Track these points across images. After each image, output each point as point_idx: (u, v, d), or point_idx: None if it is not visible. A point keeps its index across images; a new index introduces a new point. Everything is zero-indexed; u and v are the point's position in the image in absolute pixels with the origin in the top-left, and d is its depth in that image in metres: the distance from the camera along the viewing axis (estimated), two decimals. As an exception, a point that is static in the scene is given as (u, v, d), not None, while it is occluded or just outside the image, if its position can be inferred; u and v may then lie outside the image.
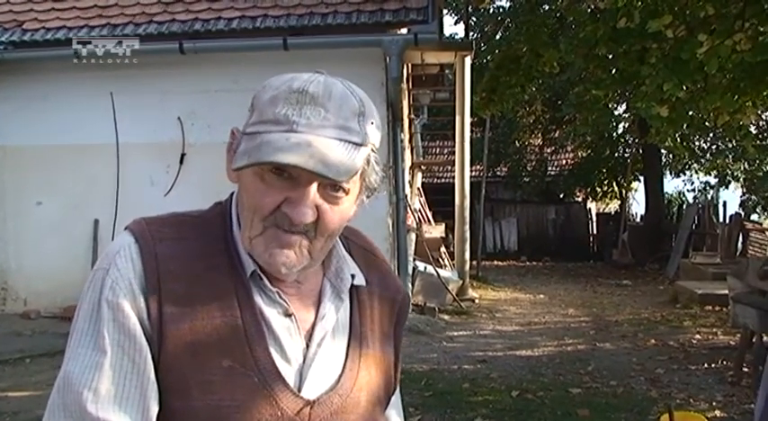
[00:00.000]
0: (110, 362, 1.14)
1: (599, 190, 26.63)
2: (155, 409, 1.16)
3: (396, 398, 1.50)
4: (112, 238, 8.73)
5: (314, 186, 1.16)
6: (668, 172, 25.30)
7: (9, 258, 9.74)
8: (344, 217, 1.24)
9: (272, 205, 1.17)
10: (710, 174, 25.26)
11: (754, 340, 7.34)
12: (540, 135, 25.81)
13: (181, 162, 9.32)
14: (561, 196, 26.38)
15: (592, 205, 27.79)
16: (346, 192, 1.20)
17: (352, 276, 1.33)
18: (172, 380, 1.16)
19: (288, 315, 1.25)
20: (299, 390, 1.23)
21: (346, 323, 1.34)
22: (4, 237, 9.73)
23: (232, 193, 1.31)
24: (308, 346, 1.26)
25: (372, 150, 1.21)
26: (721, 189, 25.60)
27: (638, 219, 25.82)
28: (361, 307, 1.36)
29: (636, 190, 28.28)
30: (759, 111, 10.72)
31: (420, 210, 14.37)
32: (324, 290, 1.32)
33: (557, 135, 25.27)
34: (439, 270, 11.75)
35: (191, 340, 1.16)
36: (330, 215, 1.19)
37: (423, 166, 17.28)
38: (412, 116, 13.59)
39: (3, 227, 9.73)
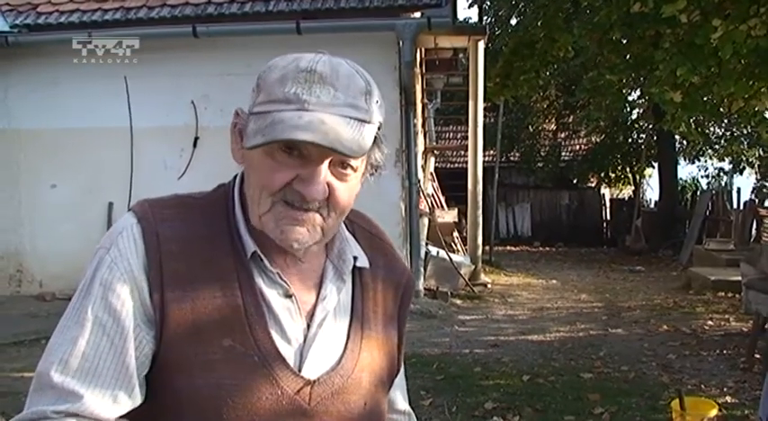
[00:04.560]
0: (86, 339, 1.15)
1: (613, 176, 26.51)
2: (126, 394, 1.17)
3: (400, 380, 1.52)
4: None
5: (326, 163, 1.18)
6: (682, 158, 25.15)
7: (24, 241, 9.80)
8: (353, 194, 1.26)
9: (281, 182, 1.18)
10: (724, 161, 25.14)
11: (766, 327, 7.33)
12: (553, 120, 25.75)
13: (194, 145, 9.35)
14: (575, 182, 26.28)
15: (605, 191, 27.70)
16: (354, 170, 1.23)
17: (355, 258, 1.35)
18: (174, 358, 1.18)
19: (288, 296, 1.26)
20: (300, 370, 1.24)
21: (348, 304, 1.35)
22: (20, 220, 9.79)
23: (235, 176, 1.33)
24: (308, 327, 1.27)
25: (378, 128, 1.22)
26: (735, 175, 25.50)
27: (651, 205, 25.72)
28: (364, 289, 1.37)
29: (650, 176, 28.18)
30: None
31: (433, 195, 14.36)
32: (326, 271, 1.33)
33: (570, 120, 25.20)
34: (451, 255, 11.75)
35: (192, 320, 1.18)
36: (341, 191, 1.21)
37: (436, 151, 17.26)
38: (425, 101, 13.56)
39: (18, 210, 9.79)
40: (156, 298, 1.17)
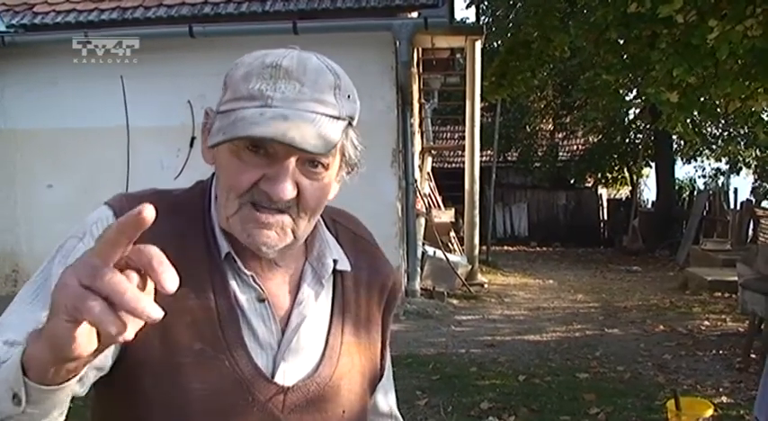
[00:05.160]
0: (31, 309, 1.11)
1: (610, 176, 26.52)
2: None
3: (386, 382, 1.48)
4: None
5: (292, 161, 1.13)
6: (679, 158, 25.20)
7: (20, 241, 9.79)
8: (325, 193, 1.21)
9: (248, 182, 1.13)
10: (721, 161, 25.21)
11: (762, 327, 7.34)
12: (550, 120, 25.74)
13: (191, 145, 9.32)
14: (572, 182, 26.30)
15: (602, 191, 27.69)
16: (326, 168, 1.17)
17: (335, 261, 1.30)
18: (142, 359, 1.14)
19: (261, 300, 1.22)
20: (273, 377, 1.21)
21: (327, 309, 1.31)
22: (16, 220, 9.78)
23: (214, 173, 1.27)
24: (283, 332, 1.24)
25: (350, 124, 1.19)
26: (732, 175, 25.57)
27: (648, 206, 25.76)
28: (345, 292, 1.33)
29: (647, 176, 28.21)
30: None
31: (430, 195, 14.36)
32: (304, 274, 1.29)
33: (567, 120, 25.18)
34: (448, 255, 11.75)
35: (162, 321, 1.06)
36: (311, 191, 1.16)
37: (433, 151, 17.26)
38: (422, 100, 13.55)
39: (14, 209, 9.78)
40: None
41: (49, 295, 1.02)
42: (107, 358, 1.13)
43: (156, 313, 0.82)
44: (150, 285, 0.84)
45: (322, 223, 1.31)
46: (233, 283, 1.21)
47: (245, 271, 1.21)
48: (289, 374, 1.23)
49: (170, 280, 0.83)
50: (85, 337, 0.83)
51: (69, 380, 0.93)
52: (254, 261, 1.23)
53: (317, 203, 1.19)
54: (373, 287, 1.39)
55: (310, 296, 1.28)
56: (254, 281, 1.22)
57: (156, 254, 0.83)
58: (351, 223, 1.44)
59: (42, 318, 1.01)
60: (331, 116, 1.13)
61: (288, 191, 1.12)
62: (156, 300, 1.04)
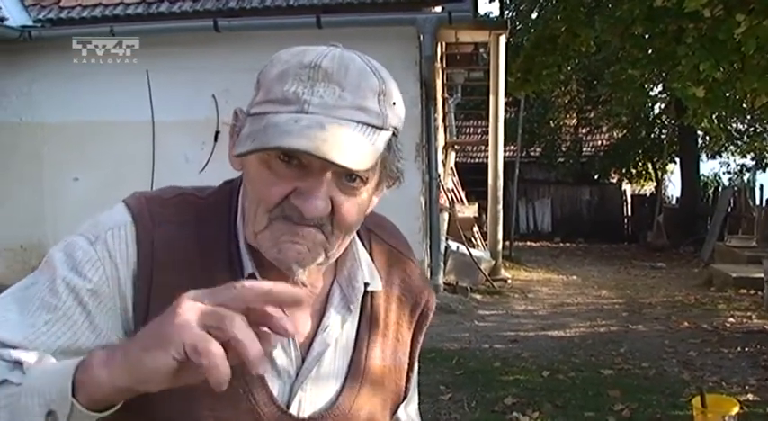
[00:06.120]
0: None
1: (634, 171, 26.38)
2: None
3: (409, 398, 1.38)
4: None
5: (327, 175, 1.02)
6: (704, 154, 25.02)
7: (47, 233, 9.87)
8: (362, 210, 1.10)
9: (278, 196, 1.03)
10: (747, 157, 24.96)
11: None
12: (575, 115, 25.62)
13: (215, 139, 9.37)
14: (596, 177, 26.13)
15: (627, 187, 27.54)
16: (364, 182, 1.06)
17: (366, 284, 1.20)
18: None
19: None
20: (288, 407, 1.13)
21: (353, 334, 1.21)
22: (43, 213, 9.86)
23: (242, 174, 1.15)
24: (303, 360, 1.14)
25: (394, 134, 1.07)
26: (758, 172, 25.28)
27: (673, 202, 25.56)
28: (374, 312, 1.23)
29: (672, 172, 28.01)
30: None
31: (453, 190, 14.36)
32: (332, 296, 1.19)
33: (592, 115, 25.03)
34: (471, 250, 11.74)
35: None
36: (346, 208, 1.05)
37: (456, 146, 17.25)
38: (446, 95, 13.55)
39: (41, 202, 9.86)
40: (139, 312, 1.06)
41: (52, 299, 1.03)
42: None
43: (261, 369, 0.83)
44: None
45: (356, 238, 1.21)
46: None
47: None
48: (305, 405, 1.15)
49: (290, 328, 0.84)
50: (177, 374, 0.83)
51: (114, 406, 0.92)
52: (279, 279, 1.04)
53: (353, 221, 1.09)
54: (405, 305, 1.29)
55: (336, 322, 1.18)
56: None
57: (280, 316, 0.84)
58: (386, 233, 1.32)
59: (40, 325, 1.03)
60: (373, 126, 1.02)
61: (320, 207, 1.02)
62: None
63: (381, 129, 1.03)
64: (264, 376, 1.10)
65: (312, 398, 1.15)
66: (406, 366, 1.31)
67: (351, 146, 0.98)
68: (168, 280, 1.06)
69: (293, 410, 1.13)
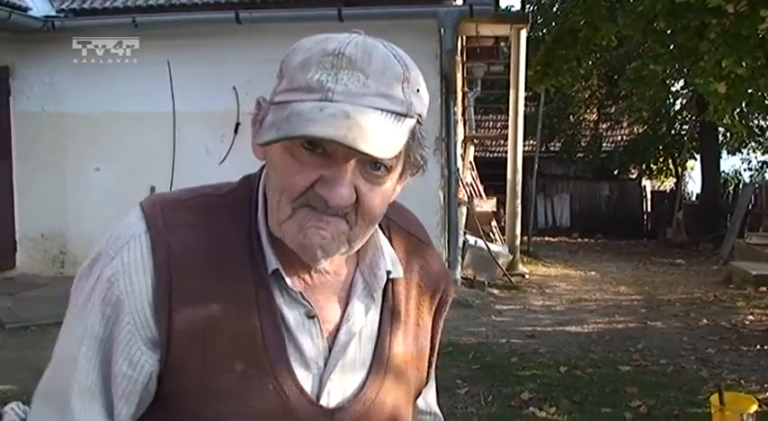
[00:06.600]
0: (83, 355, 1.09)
1: (654, 167, 26.24)
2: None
3: (429, 384, 1.40)
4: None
5: (352, 163, 1.02)
6: (725, 150, 24.84)
7: (69, 223, 9.95)
8: (386, 199, 1.10)
9: (302, 185, 1.03)
10: (768, 154, 24.78)
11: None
12: (595, 110, 25.50)
13: (235, 131, 9.40)
14: (615, 173, 26.01)
15: (647, 183, 27.40)
16: (389, 170, 1.06)
17: (388, 272, 1.19)
18: (180, 383, 1.08)
19: (310, 316, 1.13)
20: (318, 399, 1.13)
21: (376, 321, 1.21)
22: (64, 203, 9.94)
23: (262, 167, 1.16)
24: (330, 350, 1.15)
25: (418, 122, 1.06)
26: (779, 169, 25.11)
27: (693, 198, 25.42)
28: (395, 299, 1.23)
29: (692, 168, 27.83)
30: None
31: (471, 184, 14.33)
32: (354, 285, 1.19)
33: (612, 110, 24.91)
34: (489, 244, 11.72)
35: (202, 341, 1.07)
36: (371, 196, 1.06)
37: (475, 140, 17.21)
38: (465, 89, 13.51)
39: (63, 192, 9.94)
40: (162, 319, 1.06)
41: (86, 330, 1.10)
42: (152, 381, 1.10)
43: None
44: None
45: (377, 227, 1.19)
46: (279, 300, 1.12)
47: (293, 287, 1.12)
48: (333, 394, 1.15)
49: None
50: None
51: None
52: (302, 271, 1.15)
53: (377, 211, 1.10)
54: (425, 291, 1.30)
55: (360, 310, 1.18)
56: (303, 297, 1.13)
57: None
58: (404, 220, 1.32)
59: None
60: (398, 113, 1.02)
61: (347, 196, 1.03)
62: (199, 317, 1.05)
63: (406, 116, 1.03)
64: (294, 369, 1.11)
65: (339, 387, 1.16)
66: (427, 351, 1.31)
67: (376, 134, 0.98)
68: (188, 283, 1.07)
69: (323, 401, 1.14)
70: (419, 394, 1.34)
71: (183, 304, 1.06)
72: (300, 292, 1.12)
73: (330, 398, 1.15)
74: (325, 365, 1.15)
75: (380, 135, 0.98)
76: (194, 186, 1.21)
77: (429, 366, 1.34)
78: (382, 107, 1.00)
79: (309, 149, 1.02)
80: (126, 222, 1.13)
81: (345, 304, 1.18)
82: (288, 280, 1.11)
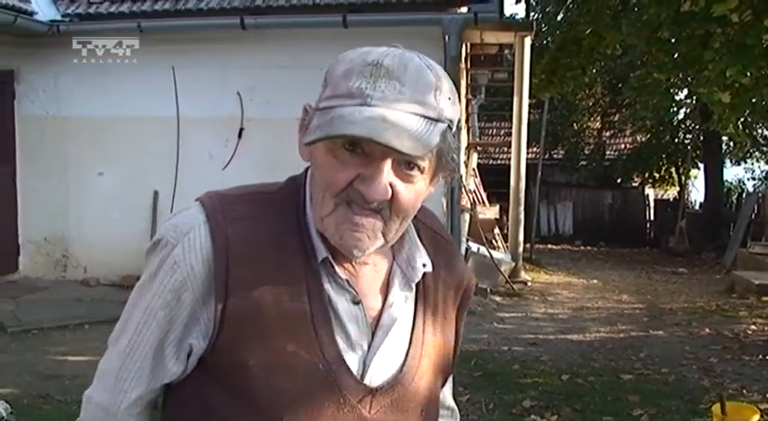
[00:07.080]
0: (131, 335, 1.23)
1: (657, 176, 26.17)
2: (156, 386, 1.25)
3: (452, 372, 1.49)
4: (171, 210, 8.93)
5: (388, 162, 1.13)
6: (729, 159, 24.81)
7: (71, 227, 9.97)
8: (419, 197, 1.21)
9: (344, 181, 1.14)
10: (772, 163, 24.76)
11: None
12: (598, 118, 25.49)
13: (239, 136, 9.41)
14: (618, 181, 25.97)
15: (650, 191, 27.36)
16: (421, 171, 1.17)
17: (424, 265, 1.30)
18: (233, 362, 1.17)
19: (356, 302, 1.23)
20: (362, 379, 1.23)
21: (411, 310, 1.31)
22: (67, 206, 9.96)
23: (307, 169, 1.28)
24: (373, 334, 1.25)
25: (449, 127, 1.17)
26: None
27: (696, 207, 25.40)
28: (426, 292, 1.33)
29: (695, 177, 27.81)
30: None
31: (475, 191, 14.33)
32: (393, 276, 1.30)
33: (616, 119, 24.89)
34: (492, 251, 11.72)
35: (257, 324, 1.17)
36: (405, 194, 1.16)
37: (478, 147, 17.20)
38: (469, 96, 13.53)
39: (66, 196, 9.96)
40: (218, 303, 1.17)
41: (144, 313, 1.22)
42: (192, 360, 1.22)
43: None
44: None
45: (411, 224, 1.30)
46: (327, 286, 1.22)
47: (341, 275, 1.22)
48: (375, 376, 1.25)
49: None
50: None
51: None
52: (346, 261, 1.25)
53: (410, 207, 1.20)
54: (450, 286, 1.39)
55: (400, 298, 1.29)
56: (349, 284, 1.23)
57: None
58: (429, 219, 1.42)
59: (172, 367, 1.23)
60: (430, 118, 1.13)
61: (382, 192, 1.13)
62: (254, 301, 1.16)
63: (437, 121, 1.14)
64: (341, 350, 1.21)
65: (381, 369, 1.25)
66: (452, 345, 1.41)
67: (409, 134, 1.09)
68: (244, 271, 1.18)
69: (366, 381, 1.23)
70: (445, 383, 1.45)
71: (240, 289, 1.17)
72: (347, 280, 1.23)
73: (372, 379, 1.24)
74: (369, 348, 1.25)
75: (413, 136, 1.09)
76: (242, 185, 1.32)
77: (454, 355, 1.43)
78: (415, 112, 1.11)
79: (350, 150, 1.13)
80: (186, 213, 1.25)
81: (386, 293, 1.29)
82: (336, 267, 1.22)
